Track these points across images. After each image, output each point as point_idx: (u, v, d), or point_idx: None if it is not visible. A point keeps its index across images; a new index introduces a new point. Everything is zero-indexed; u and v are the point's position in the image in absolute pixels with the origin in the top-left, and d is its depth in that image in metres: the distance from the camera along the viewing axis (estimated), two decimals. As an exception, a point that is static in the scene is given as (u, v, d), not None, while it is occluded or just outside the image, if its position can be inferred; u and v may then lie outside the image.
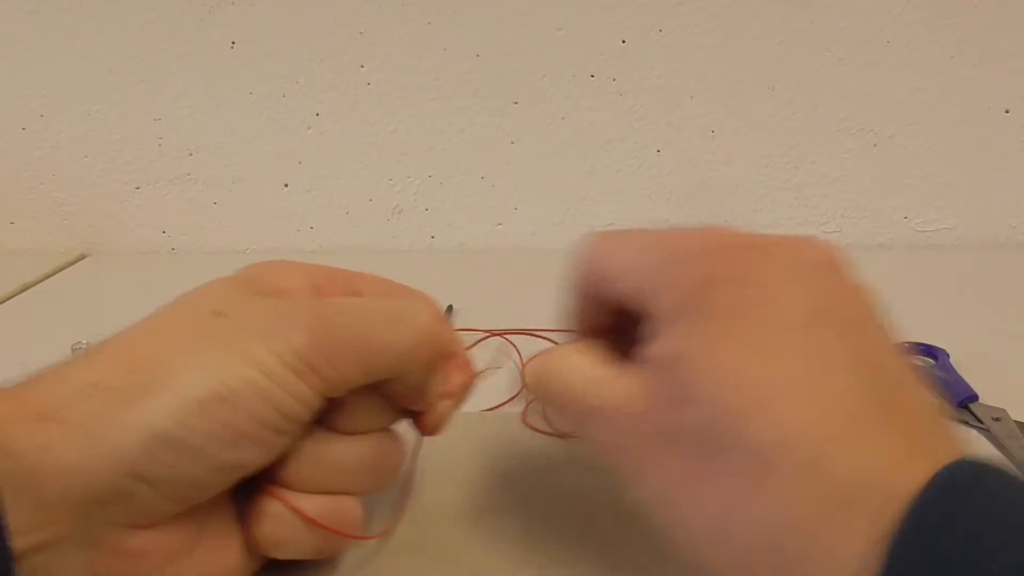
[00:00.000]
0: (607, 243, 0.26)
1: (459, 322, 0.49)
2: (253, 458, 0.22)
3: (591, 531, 0.29)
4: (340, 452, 0.25)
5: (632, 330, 0.26)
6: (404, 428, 0.28)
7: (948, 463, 0.17)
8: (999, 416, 0.36)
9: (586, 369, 0.24)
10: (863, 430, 0.18)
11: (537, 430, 0.36)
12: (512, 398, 0.39)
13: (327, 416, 0.25)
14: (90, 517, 0.20)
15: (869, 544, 0.17)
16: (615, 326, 0.26)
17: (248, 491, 0.24)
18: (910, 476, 0.17)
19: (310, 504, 0.24)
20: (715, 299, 0.21)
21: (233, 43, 0.64)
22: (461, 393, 0.28)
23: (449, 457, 0.33)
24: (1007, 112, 0.63)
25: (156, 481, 0.20)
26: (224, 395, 0.21)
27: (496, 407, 0.39)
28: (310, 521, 0.24)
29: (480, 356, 0.42)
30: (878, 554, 0.16)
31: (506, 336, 0.47)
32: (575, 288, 0.27)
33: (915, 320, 0.47)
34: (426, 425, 0.28)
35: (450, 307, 0.50)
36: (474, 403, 0.37)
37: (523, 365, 0.26)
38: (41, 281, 0.63)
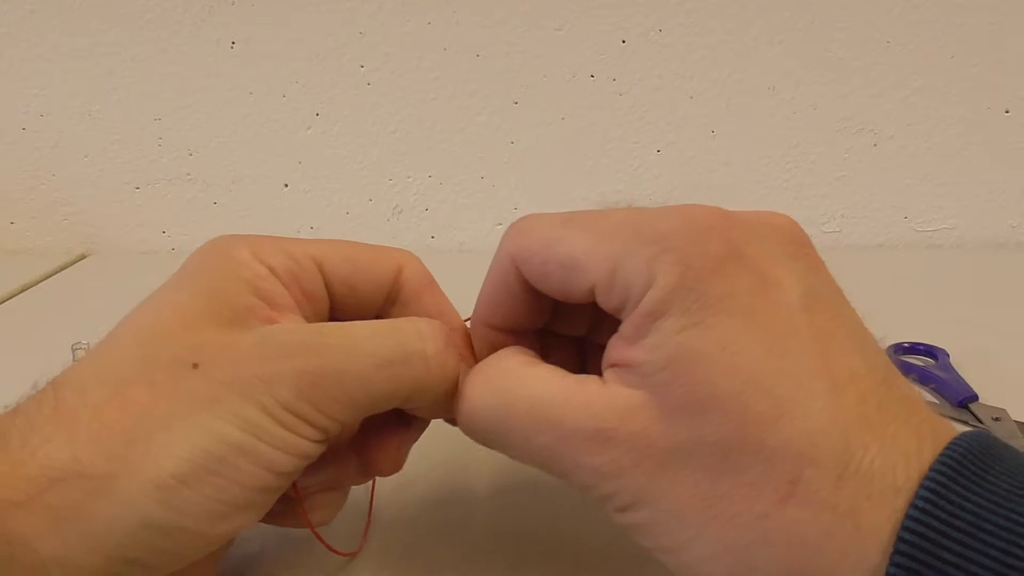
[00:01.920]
0: (552, 227, 0.22)
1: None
2: (248, 522, 0.21)
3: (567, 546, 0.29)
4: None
5: (566, 327, 0.25)
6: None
7: (956, 439, 0.18)
8: (999, 416, 0.36)
9: (552, 384, 0.21)
10: (877, 417, 0.18)
11: None
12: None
13: None
14: None
15: (890, 536, 0.16)
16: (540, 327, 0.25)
17: None
18: (921, 459, 0.17)
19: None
20: (711, 286, 0.19)
21: (233, 43, 0.64)
22: None
23: (415, 467, 0.33)
24: (1007, 112, 0.63)
25: (148, 563, 0.19)
26: (210, 467, 0.19)
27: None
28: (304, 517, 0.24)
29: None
30: (895, 542, 0.16)
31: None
32: (503, 281, 0.23)
33: (915, 320, 0.47)
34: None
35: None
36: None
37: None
38: (41, 281, 0.63)
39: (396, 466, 0.26)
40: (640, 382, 0.19)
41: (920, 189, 0.65)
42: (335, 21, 0.63)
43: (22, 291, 0.60)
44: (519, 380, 0.21)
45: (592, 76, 0.63)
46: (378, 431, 0.25)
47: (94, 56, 0.64)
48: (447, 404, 0.23)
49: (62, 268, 0.66)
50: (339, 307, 0.25)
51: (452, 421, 0.24)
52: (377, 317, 0.26)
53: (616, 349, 0.20)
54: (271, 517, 0.24)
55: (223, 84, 0.65)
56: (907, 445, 0.17)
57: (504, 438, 0.21)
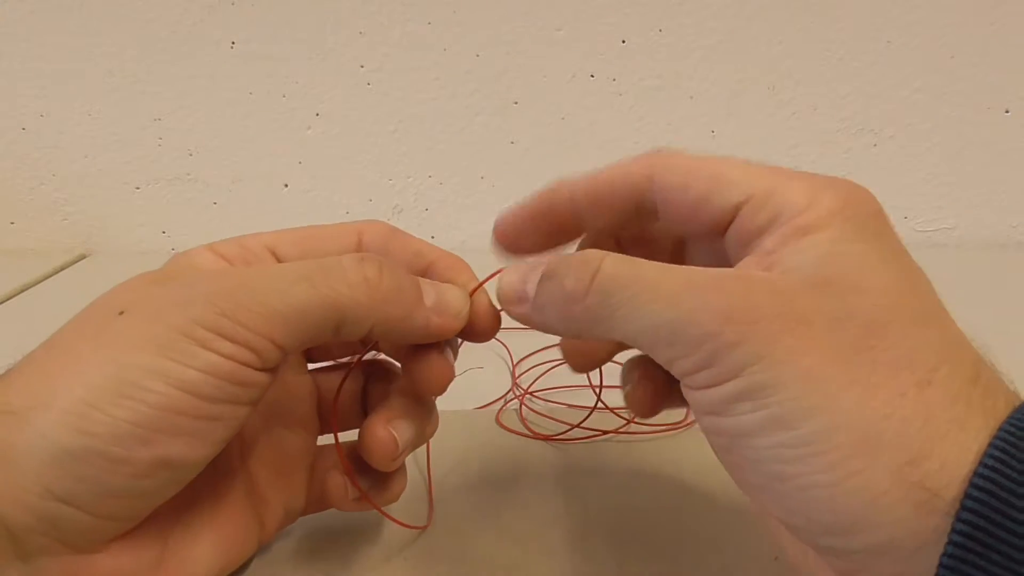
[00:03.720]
0: (688, 157, 0.22)
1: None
2: (183, 452, 0.20)
3: (583, 542, 0.29)
4: None
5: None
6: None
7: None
8: None
9: (671, 267, 0.20)
10: (990, 371, 0.19)
11: (512, 431, 0.36)
12: (501, 397, 0.39)
13: None
14: (25, 548, 0.19)
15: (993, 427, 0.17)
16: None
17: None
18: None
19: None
20: (868, 223, 0.20)
21: (233, 43, 0.64)
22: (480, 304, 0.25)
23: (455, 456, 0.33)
24: (1007, 112, 0.63)
25: (78, 499, 0.19)
26: (120, 390, 0.19)
27: (485, 406, 0.39)
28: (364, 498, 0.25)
29: (477, 355, 0.42)
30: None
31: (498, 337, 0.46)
32: (624, 185, 0.24)
33: (915, 320, 0.47)
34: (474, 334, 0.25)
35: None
36: (462, 401, 0.37)
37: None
38: (41, 281, 0.63)
39: (444, 377, 0.25)
40: (783, 272, 0.19)
41: (920, 189, 0.66)
42: (335, 21, 0.63)
43: (22, 291, 0.60)
44: (636, 260, 0.20)
45: (592, 76, 0.63)
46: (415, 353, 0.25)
47: (94, 56, 0.64)
48: (419, 327, 0.23)
49: (62, 268, 0.66)
50: None
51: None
52: None
53: (751, 262, 0.20)
54: (336, 502, 0.25)
55: (223, 84, 0.65)
56: (1012, 396, 0.19)
57: (628, 291, 0.20)
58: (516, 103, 0.64)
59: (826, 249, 0.19)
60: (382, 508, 0.26)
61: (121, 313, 0.21)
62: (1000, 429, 0.17)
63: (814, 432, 0.17)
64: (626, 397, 0.25)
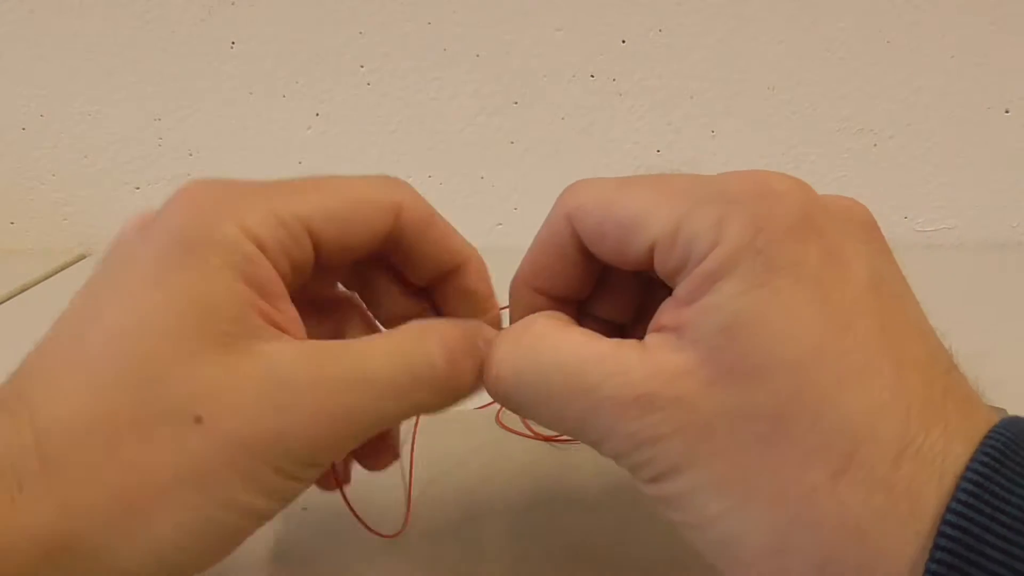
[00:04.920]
0: (610, 187, 0.21)
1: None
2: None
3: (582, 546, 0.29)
4: None
5: (608, 308, 0.24)
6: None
7: (998, 425, 0.17)
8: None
9: (587, 348, 0.19)
10: (940, 402, 0.17)
11: (513, 431, 0.36)
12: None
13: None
14: None
15: (933, 526, 0.16)
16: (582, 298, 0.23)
17: None
18: (968, 448, 0.17)
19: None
20: (781, 251, 0.17)
21: (233, 43, 0.64)
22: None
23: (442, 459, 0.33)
24: (1007, 112, 0.63)
25: None
26: (210, 530, 0.18)
27: (485, 406, 0.39)
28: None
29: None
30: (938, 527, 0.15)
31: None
32: (554, 240, 0.22)
33: (915, 320, 0.47)
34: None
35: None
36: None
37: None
38: (41, 281, 0.63)
39: (389, 461, 0.26)
40: (690, 346, 0.18)
41: (920, 189, 0.65)
42: (335, 21, 0.63)
43: (22, 291, 0.60)
44: (551, 344, 0.20)
45: (592, 76, 0.63)
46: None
47: (94, 56, 0.64)
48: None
49: (62, 268, 0.66)
50: (326, 263, 0.22)
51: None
52: (371, 255, 0.24)
53: (666, 313, 0.19)
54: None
55: (223, 84, 0.65)
56: (968, 432, 0.17)
57: (533, 405, 0.20)
58: (516, 103, 0.64)
59: (729, 313, 0.17)
60: (358, 514, 0.26)
61: (198, 420, 0.18)
62: (933, 547, 0.15)
63: (724, 537, 0.18)
64: None
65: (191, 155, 0.67)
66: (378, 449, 0.25)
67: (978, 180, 0.65)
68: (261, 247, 0.20)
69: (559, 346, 0.20)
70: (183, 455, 0.18)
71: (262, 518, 0.19)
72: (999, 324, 0.49)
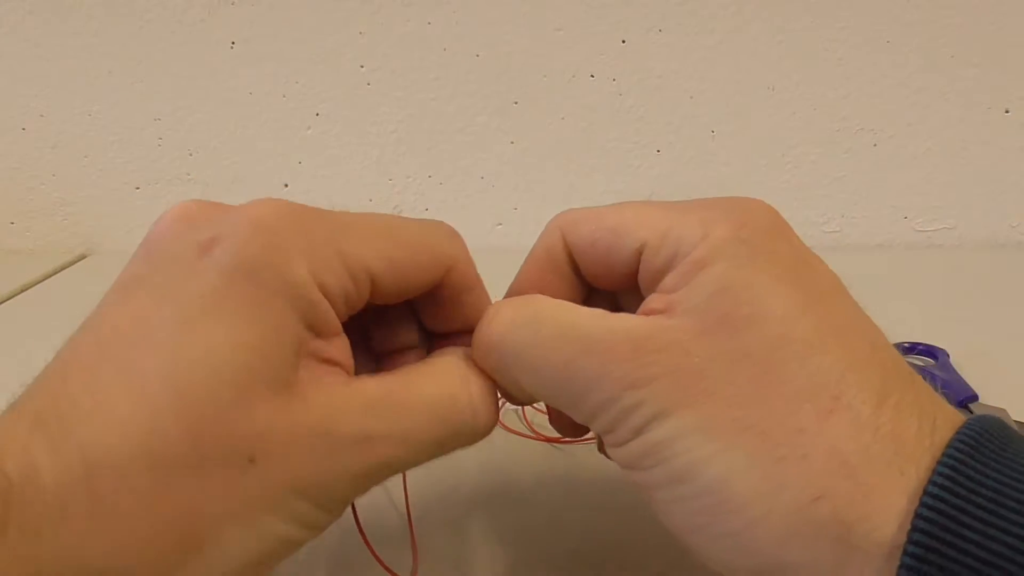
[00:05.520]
0: (598, 208, 0.23)
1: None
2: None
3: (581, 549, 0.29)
4: None
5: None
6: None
7: (971, 419, 0.18)
8: (999, 416, 0.36)
9: (582, 311, 0.21)
10: (910, 379, 0.19)
11: (514, 432, 0.36)
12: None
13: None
14: None
15: (916, 493, 0.16)
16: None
17: None
18: (940, 430, 0.17)
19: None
20: (762, 242, 0.20)
21: (233, 43, 0.64)
22: None
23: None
24: (1007, 112, 0.63)
25: None
26: (260, 562, 0.19)
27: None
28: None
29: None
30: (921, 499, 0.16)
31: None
32: (546, 254, 0.24)
33: (915, 320, 0.47)
34: None
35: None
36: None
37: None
38: (41, 281, 0.63)
39: None
40: (681, 314, 0.19)
41: (920, 189, 0.65)
42: (335, 21, 0.63)
43: (22, 291, 0.60)
44: (549, 305, 0.21)
45: (592, 76, 0.63)
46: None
47: (94, 56, 0.64)
48: None
49: (62, 268, 0.66)
50: (373, 301, 0.23)
51: None
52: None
53: (654, 301, 0.20)
54: None
55: (223, 84, 0.65)
56: (932, 412, 0.18)
57: (524, 349, 0.21)
58: (516, 103, 0.64)
59: (719, 282, 0.19)
60: (374, 549, 0.26)
61: (251, 461, 0.18)
62: (933, 472, 0.16)
63: (710, 483, 0.18)
64: (551, 420, 0.26)
65: (191, 155, 0.67)
66: None
67: (978, 180, 0.65)
68: (326, 293, 0.20)
69: (555, 307, 0.21)
70: (235, 492, 0.18)
71: (297, 546, 0.20)
72: (999, 324, 0.49)
